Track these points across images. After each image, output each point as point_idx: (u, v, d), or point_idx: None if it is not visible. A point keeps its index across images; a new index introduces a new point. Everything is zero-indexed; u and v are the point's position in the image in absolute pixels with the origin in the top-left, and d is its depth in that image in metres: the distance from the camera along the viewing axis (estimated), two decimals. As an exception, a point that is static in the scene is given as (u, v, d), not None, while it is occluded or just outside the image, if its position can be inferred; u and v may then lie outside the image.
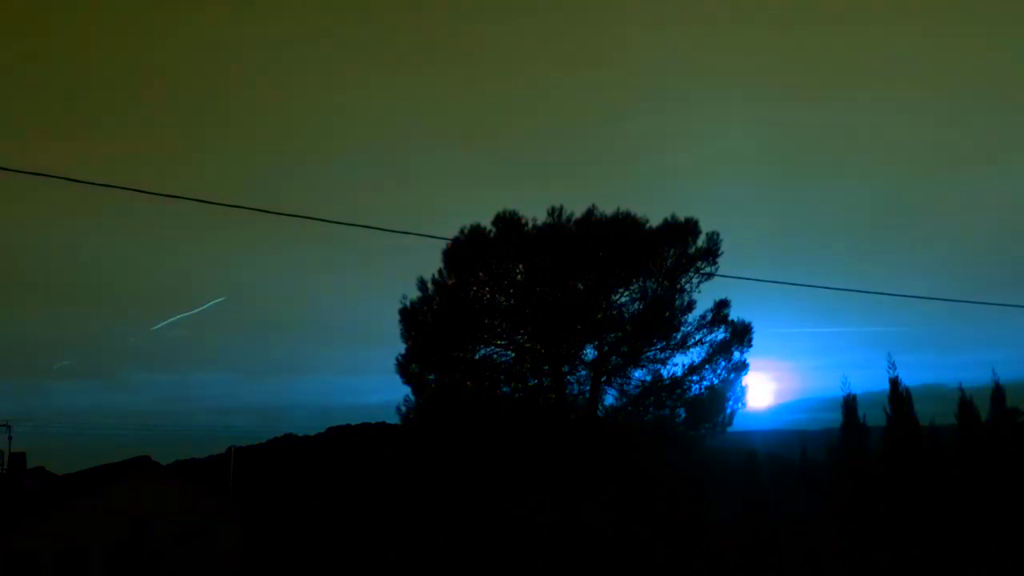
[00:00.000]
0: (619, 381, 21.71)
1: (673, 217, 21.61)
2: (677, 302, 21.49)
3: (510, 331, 21.75)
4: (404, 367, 21.62)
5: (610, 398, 21.83)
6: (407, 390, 21.70)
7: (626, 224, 21.36)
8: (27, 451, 31.84)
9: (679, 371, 21.39)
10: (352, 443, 55.21)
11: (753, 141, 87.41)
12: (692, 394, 21.29)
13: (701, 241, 21.48)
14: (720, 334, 21.50)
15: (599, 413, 21.59)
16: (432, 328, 21.44)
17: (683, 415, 21.38)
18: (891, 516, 19.33)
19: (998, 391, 19.93)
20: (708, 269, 21.46)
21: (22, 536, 25.61)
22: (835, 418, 21.22)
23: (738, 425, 21.76)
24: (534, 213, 21.44)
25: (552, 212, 21.34)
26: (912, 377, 20.90)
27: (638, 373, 21.67)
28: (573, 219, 21.39)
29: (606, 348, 21.56)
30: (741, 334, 21.45)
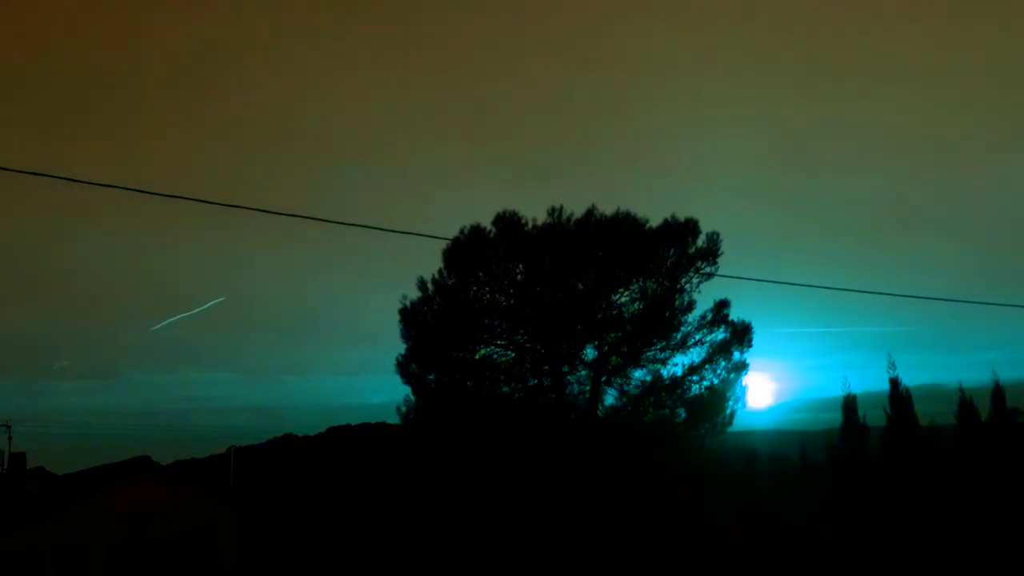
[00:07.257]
0: (619, 381, 21.72)
1: (673, 217, 21.63)
2: (677, 302, 21.49)
3: (510, 331, 21.74)
4: (404, 367, 21.63)
5: (610, 398, 21.86)
6: (407, 390, 21.74)
7: (626, 224, 21.36)
8: (27, 451, 31.93)
9: (679, 371, 21.41)
10: (352, 443, 55.18)
11: (753, 141, 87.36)
12: (692, 394, 21.29)
13: (701, 241, 21.50)
14: (720, 334, 21.52)
15: (599, 413, 21.59)
16: (432, 328, 21.44)
17: (683, 415, 21.38)
18: (891, 516, 19.32)
19: (998, 391, 19.94)
20: (708, 269, 21.48)
21: (22, 536, 25.61)
22: (835, 418, 21.21)
23: (738, 425, 21.77)
24: (534, 213, 21.49)
25: (552, 212, 21.37)
26: (912, 377, 20.92)
27: (638, 373, 21.71)
28: (573, 219, 21.40)
29: (606, 348, 21.56)
30: (741, 334, 21.45)
